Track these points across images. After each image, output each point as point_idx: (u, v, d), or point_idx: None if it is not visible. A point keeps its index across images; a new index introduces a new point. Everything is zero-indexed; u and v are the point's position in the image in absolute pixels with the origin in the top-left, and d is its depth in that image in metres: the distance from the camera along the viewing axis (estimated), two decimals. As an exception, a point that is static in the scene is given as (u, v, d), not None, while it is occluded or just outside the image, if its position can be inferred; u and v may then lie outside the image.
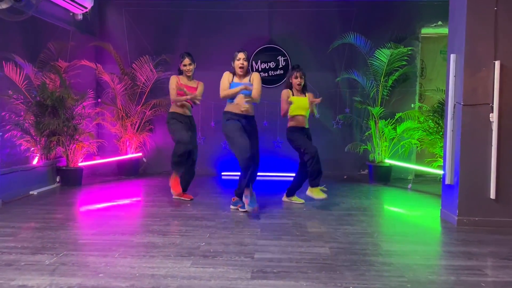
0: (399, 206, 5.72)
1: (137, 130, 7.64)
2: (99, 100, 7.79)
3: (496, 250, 3.76)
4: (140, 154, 7.78)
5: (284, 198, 5.66)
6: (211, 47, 7.84)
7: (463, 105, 4.46)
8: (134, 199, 5.88)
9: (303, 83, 5.34)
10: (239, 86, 4.92)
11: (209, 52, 7.80)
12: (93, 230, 4.17)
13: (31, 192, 5.96)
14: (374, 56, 7.01)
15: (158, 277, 2.99)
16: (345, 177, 7.78)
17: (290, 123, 5.36)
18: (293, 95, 5.30)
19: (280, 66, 7.84)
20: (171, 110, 5.61)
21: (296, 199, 5.61)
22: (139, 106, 7.57)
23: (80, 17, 7.17)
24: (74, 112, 6.54)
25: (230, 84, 4.99)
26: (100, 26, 8.03)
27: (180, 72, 5.62)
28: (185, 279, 2.96)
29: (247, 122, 5.01)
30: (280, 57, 7.82)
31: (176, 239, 3.90)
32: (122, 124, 7.55)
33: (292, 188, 5.59)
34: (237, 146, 4.79)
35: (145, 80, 7.54)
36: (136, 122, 7.60)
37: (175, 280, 2.93)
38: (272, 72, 7.86)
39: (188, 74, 5.57)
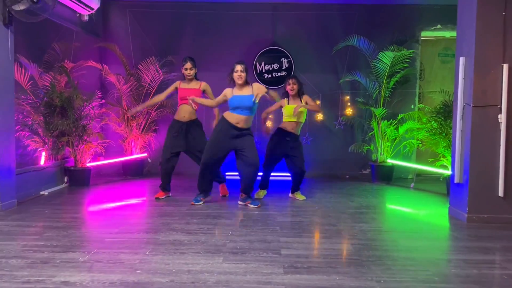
0: (405, 204, 5.87)
1: (142, 131, 7.69)
2: (104, 101, 7.81)
3: (509, 245, 3.92)
4: (145, 154, 7.82)
5: (290, 195, 6.03)
6: (214, 48, 7.93)
7: (472, 106, 4.63)
8: (143, 198, 5.95)
9: (296, 89, 5.69)
10: (239, 98, 5.16)
11: (212, 53, 7.89)
12: (116, 229, 4.23)
13: (41, 192, 5.98)
14: (377, 58, 7.17)
15: (194, 272, 3.08)
16: (347, 176, 7.93)
17: (281, 125, 5.82)
18: (288, 103, 5.73)
19: (284, 67, 7.96)
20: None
21: (298, 196, 5.92)
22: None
23: (86, 18, 7.19)
24: (82, 113, 6.57)
25: (230, 98, 5.22)
26: (104, 27, 8.06)
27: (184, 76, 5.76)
28: (221, 274, 3.05)
29: (238, 133, 5.23)
30: (283, 59, 7.95)
31: (200, 237, 3.98)
32: (127, 125, 7.59)
33: (294, 185, 5.94)
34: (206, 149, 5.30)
35: (151, 81, 7.60)
36: (141, 122, 7.65)
37: (211, 275, 3.03)
38: (276, 73, 7.98)
39: (188, 78, 5.67)
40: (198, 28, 8.04)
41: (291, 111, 5.62)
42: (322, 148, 7.97)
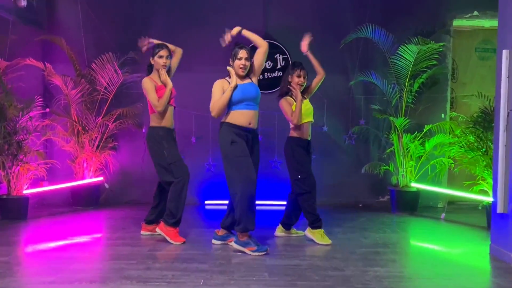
0: (434, 241, 5.70)
1: (97, 148, 7.50)
2: (48, 109, 7.63)
3: None
4: (101, 178, 7.62)
5: (278, 233, 5.70)
6: (191, 42, 7.74)
7: (519, 113, 4.50)
8: (97, 235, 5.74)
9: (305, 85, 5.50)
10: (242, 88, 4.98)
11: (189, 49, 7.65)
12: (52, 277, 4.03)
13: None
14: (398, 53, 7.05)
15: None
16: (360, 205, 7.75)
17: (294, 133, 5.46)
18: (294, 101, 5.43)
19: (279, 66, 7.83)
20: (154, 124, 5.42)
21: (296, 232, 5.70)
22: (100, 118, 7.44)
23: (23, 3, 7.03)
24: (17, 125, 6.39)
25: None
26: (49, 16, 7.91)
27: (150, 70, 5.53)
28: None
29: (253, 138, 5.08)
30: (278, 55, 7.81)
31: (162, 287, 3.78)
32: (77, 140, 7.40)
33: (288, 220, 5.66)
34: (239, 173, 4.84)
35: (108, 84, 7.44)
36: (96, 137, 7.46)
37: None
38: (269, 74, 7.84)
39: (162, 70, 5.41)
40: (170, 16, 7.91)
41: (311, 107, 5.51)
42: (328, 169, 7.77)
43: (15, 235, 5.67)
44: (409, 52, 6.96)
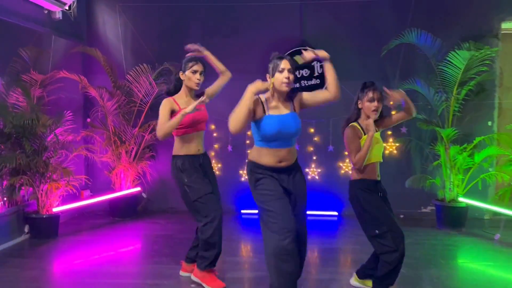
0: (484, 265, 4.21)
1: (134, 159, 6.03)
2: (88, 120, 6.23)
3: None
4: (138, 188, 6.15)
5: (354, 281, 3.71)
6: (227, 51, 6.07)
7: None
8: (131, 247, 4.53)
9: (380, 109, 3.35)
10: (278, 121, 3.03)
11: (225, 58, 6.09)
12: None
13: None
14: (446, 60, 5.27)
15: None
16: (401, 216, 6.04)
17: (358, 175, 3.38)
18: (364, 133, 3.34)
19: (316, 74, 6.14)
20: (174, 152, 3.70)
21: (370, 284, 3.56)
22: (136, 129, 5.96)
23: (58, 15, 5.62)
24: (47, 142, 4.98)
25: (261, 119, 3.04)
26: (88, 28, 6.46)
27: (176, 89, 3.73)
28: None
29: (288, 177, 3.13)
30: (315, 62, 6.10)
31: None
32: (114, 152, 5.95)
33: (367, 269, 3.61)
34: (272, 224, 2.95)
35: (143, 95, 5.94)
36: (132, 148, 5.99)
37: None
38: (306, 82, 6.17)
39: (195, 87, 3.66)
40: (207, 26, 6.33)
41: (381, 144, 3.42)
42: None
43: (43, 256, 4.49)
44: (460, 59, 5.18)
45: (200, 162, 3.69)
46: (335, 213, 6.16)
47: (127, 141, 5.95)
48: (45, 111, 5.20)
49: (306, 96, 3.17)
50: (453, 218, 5.42)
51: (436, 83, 5.54)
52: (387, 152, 6.06)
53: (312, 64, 6.11)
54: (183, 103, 3.60)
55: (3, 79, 5.08)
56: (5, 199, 4.86)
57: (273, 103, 3.07)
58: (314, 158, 6.23)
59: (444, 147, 5.47)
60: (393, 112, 3.65)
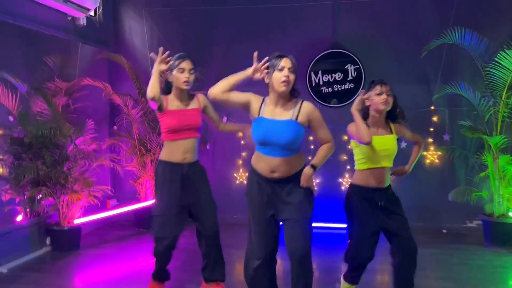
0: None
1: (159, 168, 5.83)
2: (115, 128, 6.09)
3: None
4: (163, 199, 5.95)
5: None
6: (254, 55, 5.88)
7: None
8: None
9: (391, 104, 3.14)
10: (268, 125, 2.84)
11: (253, 63, 5.86)
12: None
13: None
14: (494, 61, 4.80)
15: None
16: (444, 231, 5.57)
17: (356, 180, 3.23)
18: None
19: (350, 78, 5.77)
20: (160, 157, 3.46)
21: None
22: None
23: (83, 22, 5.50)
24: (69, 152, 4.83)
25: (254, 120, 2.90)
26: (114, 34, 6.33)
27: (168, 89, 3.42)
28: None
29: (278, 189, 2.89)
30: (349, 65, 5.74)
31: None
32: (139, 160, 5.77)
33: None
34: (250, 242, 3.03)
35: (169, 102, 5.74)
36: (156, 157, 5.80)
37: None
38: (339, 86, 5.80)
39: (184, 87, 3.33)
40: (234, 29, 6.08)
41: (392, 145, 3.20)
42: (407, 191, 5.57)
43: (62, 270, 4.35)
44: (509, 59, 4.70)
45: (184, 172, 3.35)
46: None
47: (152, 149, 5.76)
48: (71, 120, 5.10)
49: (315, 122, 2.91)
50: (503, 236, 4.90)
51: (482, 87, 5.06)
52: (427, 161, 5.61)
53: (346, 67, 5.75)
54: (174, 106, 3.35)
55: (29, 87, 5.01)
56: (27, 210, 4.77)
57: (271, 106, 2.90)
58: (348, 167, 5.83)
59: (492, 156, 4.98)
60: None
